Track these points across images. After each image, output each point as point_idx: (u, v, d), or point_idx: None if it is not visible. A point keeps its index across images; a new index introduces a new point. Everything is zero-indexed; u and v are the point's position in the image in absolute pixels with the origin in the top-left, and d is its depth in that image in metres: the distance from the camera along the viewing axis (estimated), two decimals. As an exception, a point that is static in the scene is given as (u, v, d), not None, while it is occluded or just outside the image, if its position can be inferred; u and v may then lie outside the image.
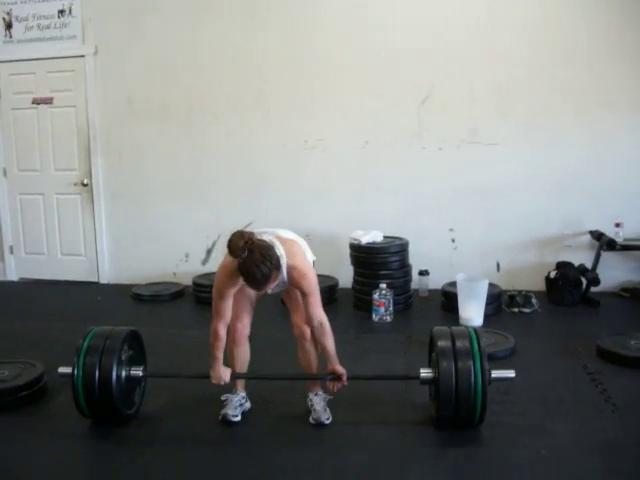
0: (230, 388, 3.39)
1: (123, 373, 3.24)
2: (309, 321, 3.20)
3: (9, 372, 3.72)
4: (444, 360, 3.01)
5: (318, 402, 3.33)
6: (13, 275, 6.77)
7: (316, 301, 3.15)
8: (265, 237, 3.02)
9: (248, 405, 3.45)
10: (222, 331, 3.16)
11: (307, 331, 3.25)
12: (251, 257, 2.81)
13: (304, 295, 3.13)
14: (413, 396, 3.49)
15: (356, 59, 5.73)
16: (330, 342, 3.20)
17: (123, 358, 3.26)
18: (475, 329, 3.21)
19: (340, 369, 3.23)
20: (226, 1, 5.91)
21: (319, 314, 3.15)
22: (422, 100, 5.66)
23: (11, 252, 6.74)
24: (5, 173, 6.60)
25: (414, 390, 3.45)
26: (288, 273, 3.06)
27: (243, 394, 3.43)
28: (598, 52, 5.37)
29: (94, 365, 3.15)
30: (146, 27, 6.06)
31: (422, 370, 3.20)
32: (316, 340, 3.25)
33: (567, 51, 5.41)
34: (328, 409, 3.32)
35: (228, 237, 2.86)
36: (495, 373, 3.09)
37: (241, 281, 3.00)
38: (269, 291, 3.01)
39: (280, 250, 3.02)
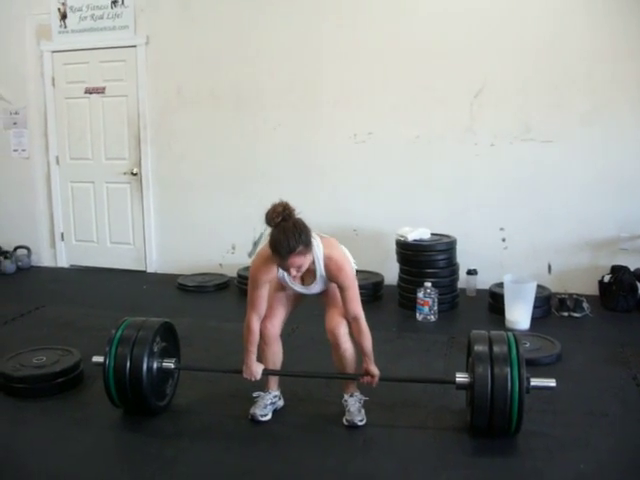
0: (263, 385, 3.34)
1: (154, 365, 3.23)
2: (346, 316, 3.13)
3: (47, 358, 3.76)
4: (480, 365, 2.90)
5: (353, 403, 3.25)
6: (64, 262, 6.90)
7: (354, 296, 3.08)
8: None
9: (281, 403, 3.39)
10: (255, 325, 3.13)
11: (340, 335, 3.15)
12: (283, 225, 2.82)
13: (342, 289, 3.07)
14: (450, 401, 3.39)
15: (408, 51, 5.59)
16: (366, 340, 3.12)
17: (155, 350, 3.25)
18: (514, 334, 3.08)
19: (374, 370, 3.15)
20: (278, -8, 5.88)
21: (356, 309, 3.08)
22: (475, 94, 5.49)
23: (62, 239, 6.85)
24: (57, 161, 6.70)
25: (452, 395, 3.36)
26: (325, 265, 3.03)
27: (276, 393, 3.37)
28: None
29: (125, 356, 3.14)
30: (197, 17, 6.06)
31: (458, 375, 3.09)
32: (354, 338, 3.17)
33: (628, 46, 5.15)
34: (363, 410, 3.24)
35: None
36: (535, 381, 2.96)
37: (275, 270, 2.99)
38: (294, 273, 2.92)
39: (317, 241, 3.02)
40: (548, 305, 5.01)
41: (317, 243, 3.02)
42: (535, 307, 4.72)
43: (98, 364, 3.22)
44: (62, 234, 6.84)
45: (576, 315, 4.93)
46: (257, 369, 3.20)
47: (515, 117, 5.47)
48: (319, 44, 5.81)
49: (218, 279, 6.07)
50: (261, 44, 5.93)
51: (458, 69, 5.50)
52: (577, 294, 5.07)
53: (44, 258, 6.91)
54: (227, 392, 3.56)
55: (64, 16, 6.31)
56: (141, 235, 6.59)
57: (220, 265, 6.38)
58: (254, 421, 3.22)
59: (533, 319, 4.68)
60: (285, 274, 3.04)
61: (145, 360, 3.14)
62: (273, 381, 3.37)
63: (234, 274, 5.91)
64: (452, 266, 5.24)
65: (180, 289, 5.94)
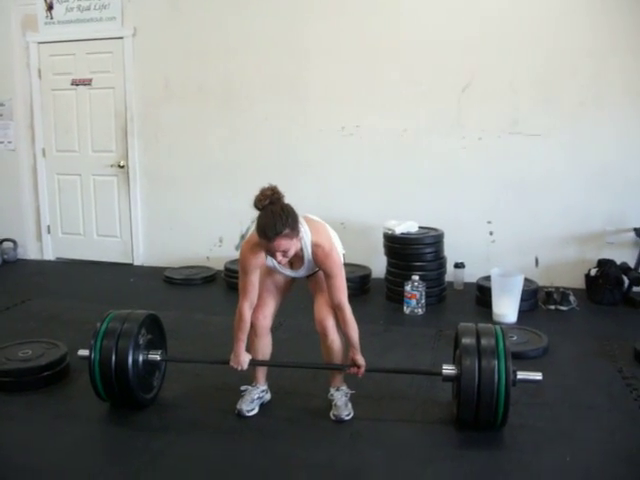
0: (250, 379, 3.33)
1: (140, 357, 3.22)
2: (331, 304, 3.11)
3: (33, 352, 3.74)
4: (467, 358, 2.90)
5: (339, 397, 3.24)
6: (50, 254, 6.85)
7: (340, 285, 3.06)
8: None
9: (268, 397, 3.38)
10: (247, 313, 3.11)
11: (328, 327, 3.15)
12: (270, 208, 2.81)
13: (328, 277, 3.05)
14: (437, 394, 3.40)
15: (396, 45, 5.58)
16: (352, 330, 3.11)
17: (140, 342, 3.23)
18: (501, 327, 3.09)
19: (360, 360, 3.15)
20: (266, -16, 5.85)
21: (340, 298, 3.06)
22: (462, 88, 5.49)
23: (48, 232, 6.80)
24: (44, 153, 6.65)
25: (439, 388, 3.37)
26: (313, 252, 3.02)
27: (263, 387, 3.36)
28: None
29: (110, 348, 3.12)
30: (184, 10, 6.02)
31: (445, 366, 3.09)
32: (341, 330, 3.16)
33: (614, 39, 5.17)
34: (350, 404, 3.24)
35: None
36: (521, 374, 2.97)
37: (263, 256, 2.98)
38: (279, 258, 2.89)
39: (304, 227, 3.00)
40: (535, 298, 5.02)
41: (305, 229, 3.00)
42: (522, 300, 4.73)
43: (83, 357, 3.20)
44: (48, 227, 6.79)
45: (563, 308, 4.95)
46: (245, 359, 3.17)
47: (503, 111, 5.47)
48: (306, 38, 5.78)
49: (205, 272, 6.05)
50: (248, 37, 5.89)
51: (446, 63, 5.50)
52: (564, 287, 5.10)
53: (30, 251, 6.86)
54: (214, 385, 3.55)
55: (50, 7, 6.25)
56: (128, 228, 6.55)
57: (207, 258, 6.36)
58: (240, 416, 3.21)
59: (520, 312, 4.70)
60: (274, 261, 3.01)
61: (130, 352, 3.12)
62: (261, 375, 3.36)
63: (221, 267, 5.90)
64: (439, 259, 5.25)
65: (167, 282, 5.91)
